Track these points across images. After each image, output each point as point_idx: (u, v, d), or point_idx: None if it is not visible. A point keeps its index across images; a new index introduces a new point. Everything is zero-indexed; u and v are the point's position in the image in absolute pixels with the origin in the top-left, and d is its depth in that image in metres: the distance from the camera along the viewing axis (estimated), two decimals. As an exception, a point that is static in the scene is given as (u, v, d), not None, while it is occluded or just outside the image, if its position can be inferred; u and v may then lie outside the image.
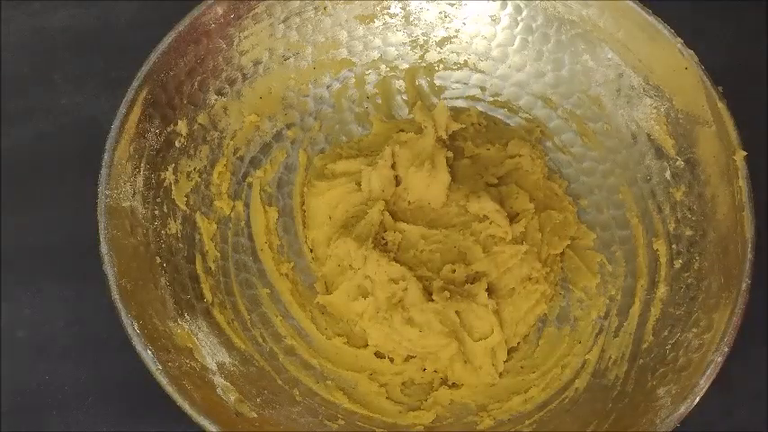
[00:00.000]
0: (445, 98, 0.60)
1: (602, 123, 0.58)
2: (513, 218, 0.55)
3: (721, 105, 0.50)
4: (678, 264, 0.52)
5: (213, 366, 0.50)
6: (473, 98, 0.60)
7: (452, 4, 0.58)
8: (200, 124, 0.56)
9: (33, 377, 0.56)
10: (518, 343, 0.55)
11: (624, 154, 0.57)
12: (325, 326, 0.55)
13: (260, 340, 0.54)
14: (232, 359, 0.52)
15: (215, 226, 0.56)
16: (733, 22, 0.65)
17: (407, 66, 0.60)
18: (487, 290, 0.54)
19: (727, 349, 0.46)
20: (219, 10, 0.54)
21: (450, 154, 0.57)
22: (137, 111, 0.51)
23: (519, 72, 0.59)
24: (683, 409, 0.45)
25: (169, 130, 0.54)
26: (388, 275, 0.53)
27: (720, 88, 0.51)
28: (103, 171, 0.50)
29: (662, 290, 0.52)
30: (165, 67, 0.52)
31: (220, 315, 0.53)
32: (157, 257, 0.52)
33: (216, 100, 0.56)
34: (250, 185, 0.58)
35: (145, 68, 0.52)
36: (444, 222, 0.56)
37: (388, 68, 0.60)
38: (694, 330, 0.49)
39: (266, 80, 0.58)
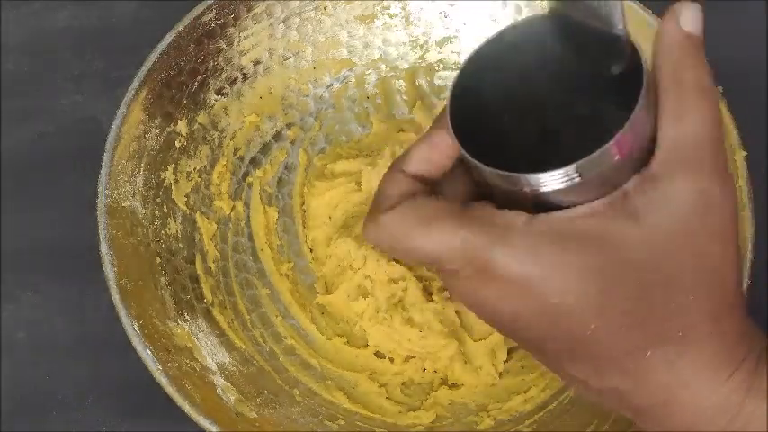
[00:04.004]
0: (445, 98, 0.60)
1: (602, 123, 0.58)
2: (513, 218, 0.55)
3: (721, 105, 0.50)
4: (678, 264, 0.52)
5: (213, 366, 0.50)
6: (473, 98, 0.60)
7: (452, 5, 0.58)
8: (200, 124, 0.56)
9: (33, 377, 0.56)
10: (518, 343, 0.55)
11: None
12: (325, 326, 0.55)
13: (260, 340, 0.54)
14: (232, 359, 0.52)
15: (215, 226, 0.56)
16: (733, 21, 0.65)
17: (407, 66, 0.60)
18: (487, 290, 0.54)
19: (727, 349, 0.46)
20: (219, 10, 0.54)
21: (450, 154, 0.57)
22: (137, 111, 0.51)
23: (519, 72, 0.59)
24: (683, 409, 0.45)
25: (169, 130, 0.54)
26: (387, 275, 0.53)
27: (720, 88, 0.51)
28: (103, 171, 0.50)
29: (662, 290, 0.52)
30: (165, 67, 0.52)
31: (220, 315, 0.53)
32: (157, 257, 0.52)
33: (216, 100, 0.56)
34: (250, 185, 0.58)
35: (145, 68, 0.52)
36: (444, 222, 0.56)
37: (388, 68, 0.60)
38: (694, 330, 0.49)
39: (266, 80, 0.58)
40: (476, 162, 0.34)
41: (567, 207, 0.33)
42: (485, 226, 0.34)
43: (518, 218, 0.34)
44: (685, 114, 0.33)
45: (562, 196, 0.33)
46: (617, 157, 0.32)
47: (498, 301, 0.34)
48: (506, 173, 0.33)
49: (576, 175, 0.32)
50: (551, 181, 0.32)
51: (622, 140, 0.32)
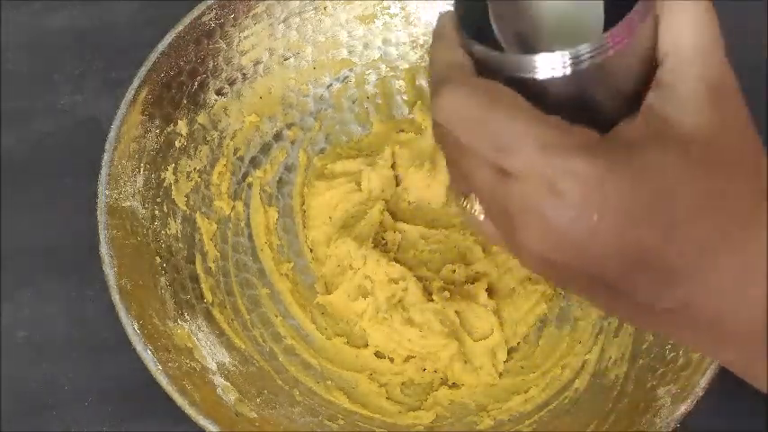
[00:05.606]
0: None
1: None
2: (513, 218, 0.55)
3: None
4: (678, 264, 0.52)
5: (213, 366, 0.50)
6: (473, 98, 0.60)
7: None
8: (200, 124, 0.56)
9: (33, 377, 0.55)
10: (518, 343, 0.55)
11: (624, 154, 0.57)
12: (325, 326, 0.55)
13: (260, 340, 0.54)
14: (232, 359, 0.52)
15: (215, 226, 0.56)
16: (733, 22, 0.65)
17: (407, 66, 0.60)
18: (487, 290, 0.54)
19: (727, 349, 0.46)
20: (219, 10, 0.54)
21: (451, 154, 0.57)
22: (137, 111, 0.51)
23: (519, 72, 0.59)
24: (683, 409, 0.45)
25: (169, 130, 0.54)
26: (387, 275, 0.53)
27: None
28: (103, 171, 0.50)
29: (662, 290, 0.52)
30: (165, 67, 0.52)
31: (220, 315, 0.53)
32: (157, 257, 0.52)
33: (216, 100, 0.56)
34: (250, 185, 0.58)
35: (145, 68, 0.52)
36: (444, 222, 0.56)
37: (388, 68, 0.60)
38: (694, 330, 0.49)
39: (266, 80, 0.58)
40: (478, 46, 0.34)
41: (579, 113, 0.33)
42: (565, 132, 0.32)
43: (591, 133, 0.33)
44: (676, 17, 0.34)
45: (568, 97, 0.33)
46: (611, 51, 0.32)
47: (574, 221, 0.32)
48: (507, 54, 0.34)
49: (569, 61, 0.33)
50: (545, 65, 0.33)
51: (616, 33, 0.32)
